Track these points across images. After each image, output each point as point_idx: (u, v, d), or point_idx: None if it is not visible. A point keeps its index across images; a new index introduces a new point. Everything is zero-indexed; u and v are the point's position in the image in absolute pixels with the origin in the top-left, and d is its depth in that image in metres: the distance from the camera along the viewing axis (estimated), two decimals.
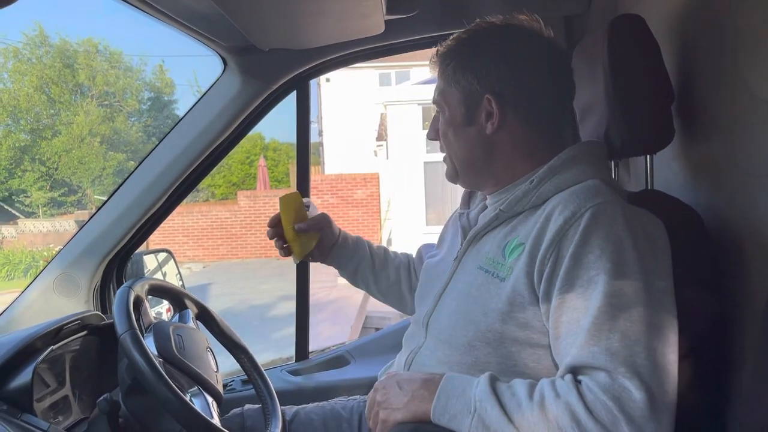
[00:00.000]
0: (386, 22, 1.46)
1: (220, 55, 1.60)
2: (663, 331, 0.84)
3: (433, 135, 1.17)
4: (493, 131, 1.05)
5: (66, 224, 16.71)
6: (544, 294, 0.92)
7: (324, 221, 1.37)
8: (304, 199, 1.36)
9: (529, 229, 0.98)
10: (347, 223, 14.38)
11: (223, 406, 1.25)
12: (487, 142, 1.07)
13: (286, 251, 1.34)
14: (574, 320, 0.87)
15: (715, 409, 0.96)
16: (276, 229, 1.36)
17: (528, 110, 1.05)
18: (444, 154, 1.16)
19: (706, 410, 0.97)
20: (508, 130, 1.06)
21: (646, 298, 0.85)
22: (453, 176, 1.15)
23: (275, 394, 1.36)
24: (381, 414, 0.97)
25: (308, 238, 1.32)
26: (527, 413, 0.84)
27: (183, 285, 1.71)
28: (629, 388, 0.80)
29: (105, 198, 1.75)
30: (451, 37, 1.12)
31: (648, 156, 1.18)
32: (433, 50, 1.16)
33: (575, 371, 0.85)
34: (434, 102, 1.14)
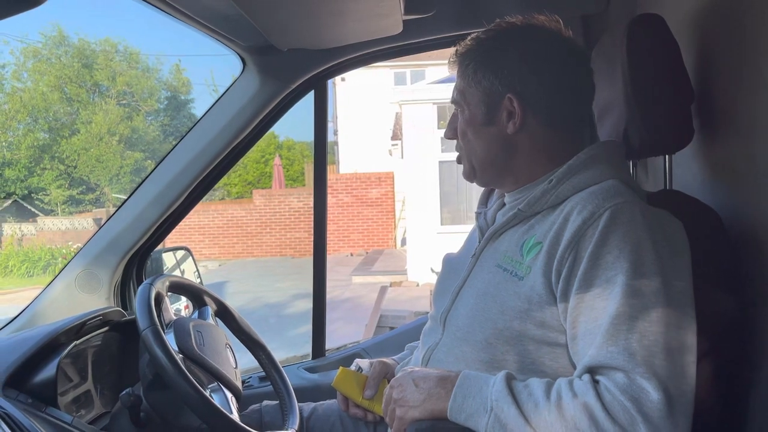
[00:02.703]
0: (404, 22, 1.46)
1: (239, 54, 1.62)
2: (681, 331, 0.84)
3: (450, 134, 1.16)
4: (514, 131, 1.05)
5: (84, 222, 16.90)
6: (562, 294, 0.92)
7: (382, 371, 1.29)
8: (353, 364, 1.32)
9: (546, 228, 0.98)
10: (362, 222, 14.40)
11: (242, 402, 1.27)
12: (508, 142, 1.07)
13: (372, 415, 1.28)
14: (592, 320, 0.87)
15: (733, 409, 0.96)
16: (353, 409, 1.29)
17: (549, 110, 1.05)
18: (457, 154, 1.16)
19: (724, 410, 0.96)
20: (529, 129, 1.05)
21: (664, 298, 0.85)
22: (470, 175, 1.15)
23: (293, 391, 1.37)
24: (397, 411, 0.98)
25: (380, 393, 1.26)
26: (544, 413, 0.84)
27: (201, 282, 1.73)
28: (647, 389, 0.80)
29: (123, 196, 1.78)
30: (470, 37, 1.11)
31: (667, 156, 1.18)
32: (451, 50, 1.16)
33: (593, 371, 0.85)
34: (453, 101, 1.14)
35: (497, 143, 1.08)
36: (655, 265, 0.87)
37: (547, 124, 1.06)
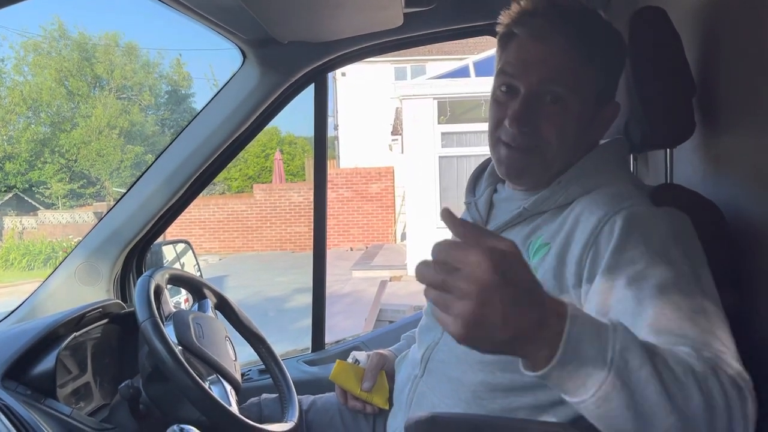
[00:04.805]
0: (405, 14, 1.46)
1: (239, 47, 1.61)
2: (724, 319, 0.78)
3: (529, 122, 0.97)
4: (599, 138, 1.03)
5: (85, 216, 16.93)
6: (585, 292, 0.88)
7: (380, 363, 1.28)
8: (350, 357, 1.33)
9: (554, 229, 0.95)
10: (362, 217, 14.40)
11: (241, 394, 1.27)
12: (587, 147, 1.02)
13: (371, 407, 1.28)
14: (630, 313, 0.78)
15: None
16: (351, 401, 1.28)
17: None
18: (522, 145, 0.99)
19: None
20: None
21: (700, 287, 0.80)
22: (536, 171, 1.01)
23: (292, 384, 1.37)
24: (466, 314, 0.58)
25: (378, 385, 1.27)
26: (680, 375, 0.64)
27: (201, 275, 1.73)
28: (730, 362, 0.70)
29: (123, 190, 1.77)
30: (571, 4, 0.98)
31: (668, 149, 1.18)
32: (451, 44, 1.14)
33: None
34: (555, 83, 0.96)
35: (585, 148, 1.02)
36: (683, 258, 0.83)
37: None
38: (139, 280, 1.21)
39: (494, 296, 0.57)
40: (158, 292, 1.22)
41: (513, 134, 0.99)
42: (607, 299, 0.83)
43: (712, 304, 0.79)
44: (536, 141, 0.98)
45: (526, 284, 0.60)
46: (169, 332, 1.15)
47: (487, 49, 10.08)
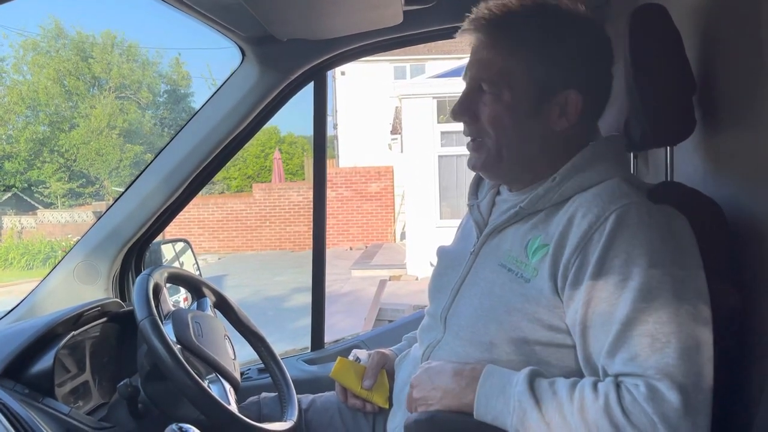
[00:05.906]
0: (404, 12, 1.45)
1: (238, 45, 1.61)
2: (695, 329, 0.84)
3: (465, 114, 1.04)
4: (563, 128, 1.01)
5: (84, 215, 16.93)
6: (568, 298, 0.91)
7: (381, 361, 1.28)
8: (351, 354, 1.33)
9: (552, 229, 0.96)
10: (361, 216, 14.40)
11: (240, 393, 1.27)
12: (548, 139, 1.01)
13: (371, 406, 1.27)
14: (602, 326, 0.87)
15: (735, 401, 0.95)
16: (351, 399, 1.28)
17: (596, 108, 1.04)
18: (473, 139, 1.05)
19: (726, 402, 0.96)
20: (575, 129, 1.01)
21: (675, 298, 0.84)
22: (492, 165, 1.04)
23: (291, 383, 1.37)
24: (420, 410, 0.99)
25: (379, 383, 1.27)
26: (567, 416, 0.85)
27: (200, 274, 1.72)
28: (662, 391, 0.80)
29: (122, 189, 1.77)
30: (499, 4, 1.01)
31: (668, 147, 1.17)
32: (451, 42, 1.14)
33: (612, 376, 0.86)
34: (481, 78, 1.02)
35: (537, 138, 1.01)
36: (664, 266, 0.86)
37: (589, 122, 1.04)
38: (138, 278, 1.21)
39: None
40: (157, 290, 1.22)
41: (463, 131, 1.07)
42: (587, 310, 0.88)
43: (692, 308, 0.84)
44: (477, 132, 1.04)
45: (432, 377, 1.00)
46: (168, 331, 1.14)
47: None
